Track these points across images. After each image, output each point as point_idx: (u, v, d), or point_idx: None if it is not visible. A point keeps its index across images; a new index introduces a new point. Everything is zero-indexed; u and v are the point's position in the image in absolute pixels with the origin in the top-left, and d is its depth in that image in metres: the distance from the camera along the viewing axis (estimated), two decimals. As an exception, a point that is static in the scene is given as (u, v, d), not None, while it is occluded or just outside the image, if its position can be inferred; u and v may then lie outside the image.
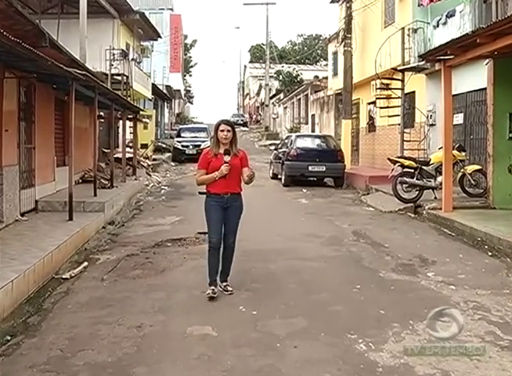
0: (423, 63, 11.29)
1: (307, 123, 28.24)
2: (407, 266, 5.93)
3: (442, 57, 8.55)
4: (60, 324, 4.19)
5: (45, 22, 12.33)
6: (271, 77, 38.47)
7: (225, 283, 4.91)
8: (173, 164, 21.37)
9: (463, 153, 10.27)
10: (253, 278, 5.39)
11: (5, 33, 4.94)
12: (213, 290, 4.73)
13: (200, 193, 5.03)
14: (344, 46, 16.71)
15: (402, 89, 13.29)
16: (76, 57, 9.66)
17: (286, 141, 16.27)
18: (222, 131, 4.74)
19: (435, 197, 9.94)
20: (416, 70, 12.85)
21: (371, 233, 7.93)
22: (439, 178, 9.77)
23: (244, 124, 46.36)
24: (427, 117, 13.17)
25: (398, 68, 13.19)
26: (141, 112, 16.62)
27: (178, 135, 23.81)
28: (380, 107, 14.95)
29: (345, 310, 4.48)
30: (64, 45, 8.31)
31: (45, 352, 3.64)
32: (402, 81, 13.27)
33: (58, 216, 8.02)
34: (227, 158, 4.67)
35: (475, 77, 10.51)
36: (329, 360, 3.48)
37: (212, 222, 4.79)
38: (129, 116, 15.38)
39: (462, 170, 10.13)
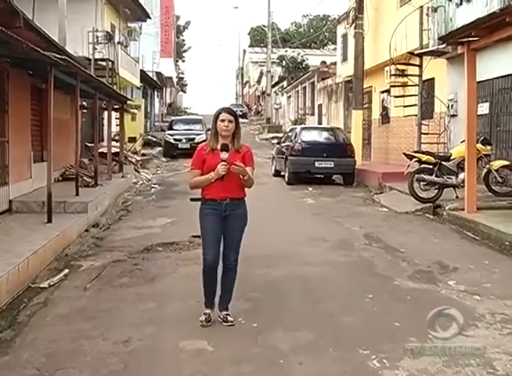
0: (443, 46, 11.24)
1: (313, 114, 28.26)
2: (425, 273, 5.92)
3: (466, 39, 8.51)
4: (37, 339, 4.17)
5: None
6: (273, 62, 38.48)
7: (224, 313, 4.46)
8: (164, 159, 21.38)
9: (489, 147, 10.25)
10: (253, 286, 5.38)
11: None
12: (207, 316, 4.40)
13: (192, 199, 4.58)
14: (355, 28, 16.68)
15: (420, 76, 13.26)
16: (54, 40, 9.62)
17: (289, 134, 16.27)
18: (223, 121, 4.30)
19: (457, 196, 9.92)
20: (436, 54, 12.80)
21: (385, 236, 7.93)
22: (461, 175, 9.76)
23: (243, 116, 46.34)
24: (448, 106, 13.14)
25: (416, 52, 13.15)
26: (128, 102, 16.60)
27: (170, 128, 23.82)
28: (395, 96, 14.94)
29: (356, 322, 4.47)
30: (41, 26, 8.26)
31: (19, 372, 3.62)
32: (420, 66, 13.24)
33: (35, 218, 8.00)
34: (224, 155, 4.20)
35: (503, 62, 10.49)
36: (339, 379, 3.46)
37: (207, 234, 4.36)
38: (115, 106, 15.35)
39: (487, 166, 10.10)
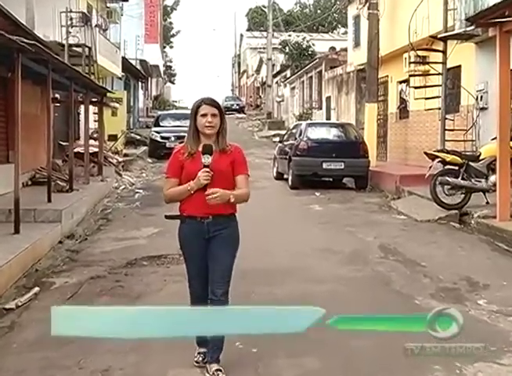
0: (471, 28, 11.26)
1: (320, 108, 28.30)
2: (451, 291, 5.93)
3: (498, 20, 8.51)
4: (2, 369, 4.15)
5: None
6: (274, 49, 38.61)
7: (215, 367, 3.83)
8: (150, 160, 21.42)
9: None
10: (253, 306, 5.37)
11: None
12: (203, 355, 4.01)
13: (166, 217, 4.10)
14: (369, 8, 16.73)
15: (444, 63, 13.29)
16: (21, 22, 9.64)
17: (293, 131, 16.31)
18: (205, 115, 3.79)
19: (487, 202, 9.93)
20: (463, 37, 12.82)
21: (403, 247, 7.95)
22: (492, 178, 9.76)
23: (241, 110, 46.51)
24: (477, 98, 13.16)
25: (439, 36, 13.18)
26: (108, 94, 16.63)
27: (157, 124, 23.86)
28: (415, 87, 14.95)
29: (370, 347, 4.45)
30: (4, 5, 8.28)
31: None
32: (444, 52, 13.27)
33: (0, 228, 8.00)
34: (207, 159, 3.69)
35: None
36: (352, 413, 3.46)
37: (189, 263, 4.01)
38: (93, 99, 15.38)
39: (522, 167, 10.11)
